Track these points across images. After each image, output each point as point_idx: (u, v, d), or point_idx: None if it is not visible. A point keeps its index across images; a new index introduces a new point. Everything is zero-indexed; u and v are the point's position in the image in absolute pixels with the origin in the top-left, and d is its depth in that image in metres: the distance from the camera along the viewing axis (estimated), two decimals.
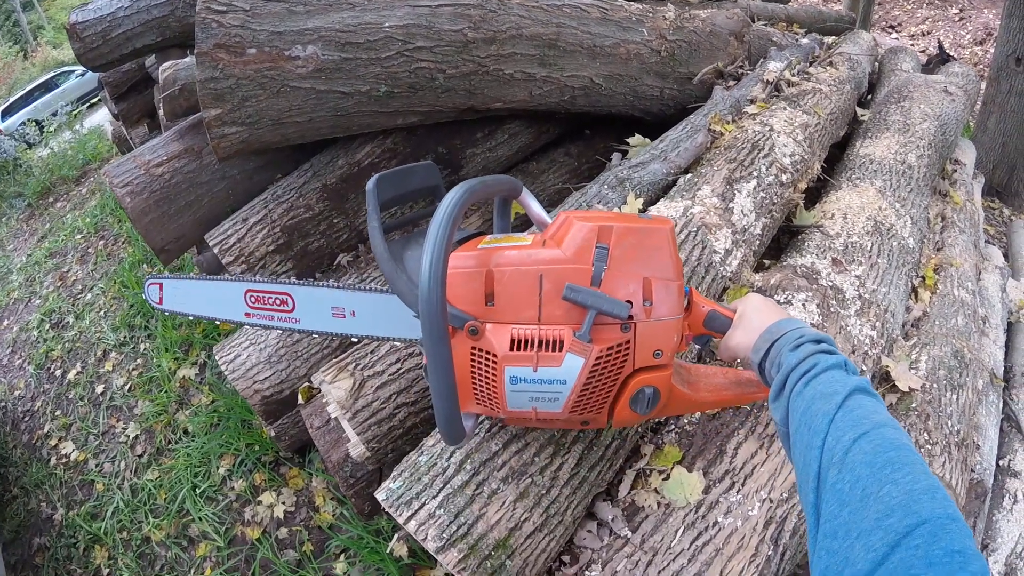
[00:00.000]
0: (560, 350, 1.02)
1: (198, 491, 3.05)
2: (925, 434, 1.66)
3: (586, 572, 1.34)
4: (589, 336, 1.01)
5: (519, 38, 2.31)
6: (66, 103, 12.04)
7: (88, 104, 13.59)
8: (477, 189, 1.04)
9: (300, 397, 2.10)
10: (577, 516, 1.38)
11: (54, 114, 10.63)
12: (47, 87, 15.18)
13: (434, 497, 1.27)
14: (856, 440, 0.69)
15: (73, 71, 15.09)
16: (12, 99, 15.24)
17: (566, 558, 1.39)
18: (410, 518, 1.26)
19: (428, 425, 1.80)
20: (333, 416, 1.83)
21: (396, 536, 1.95)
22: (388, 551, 2.10)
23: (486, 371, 1.06)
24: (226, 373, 2.38)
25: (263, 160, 2.84)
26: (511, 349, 1.03)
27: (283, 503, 2.84)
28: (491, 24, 2.23)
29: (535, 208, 1.31)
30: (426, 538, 1.22)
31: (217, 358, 2.41)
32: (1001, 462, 2.04)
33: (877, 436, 0.69)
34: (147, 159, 2.73)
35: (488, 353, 1.04)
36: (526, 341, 1.03)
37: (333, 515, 2.70)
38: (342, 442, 2.01)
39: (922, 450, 1.62)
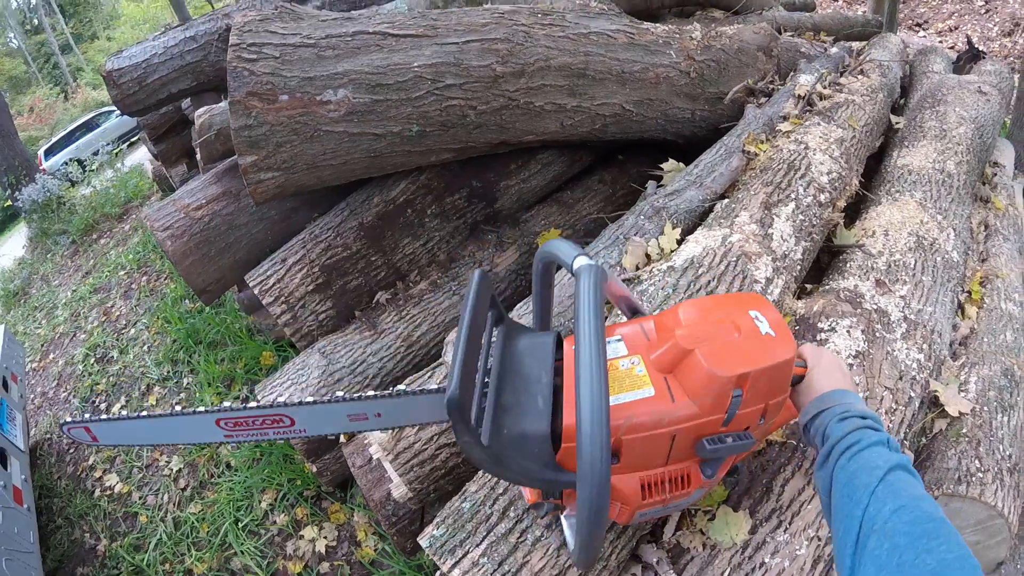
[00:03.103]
0: (688, 486, 1.05)
1: (240, 525, 3.09)
2: (976, 461, 1.60)
3: None
4: (716, 473, 1.05)
5: (548, 69, 2.31)
6: (107, 142, 12.37)
7: (128, 143, 14.00)
8: (601, 315, 0.88)
9: (342, 436, 2.11)
10: (622, 560, 1.35)
11: (95, 153, 10.91)
12: (88, 127, 15.70)
13: (478, 545, 1.27)
14: (896, 511, 0.75)
15: (113, 111, 15.48)
16: (54, 139, 15.80)
17: None
18: (454, 566, 1.25)
19: (470, 465, 1.79)
20: (375, 456, 1.83)
21: (438, 573, 1.94)
22: None
23: (613, 507, 1.07)
24: None
25: (300, 200, 2.88)
26: (643, 498, 1.03)
27: (325, 538, 2.85)
28: (519, 57, 2.24)
29: (620, 290, 1.21)
30: None
31: (259, 398, 2.44)
32: None
33: (916, 508, 0.75)
34: (186, 203, 2.80)
35: (618, 501, 1.05)
36: (656, 485, 1.04)
37: (375, 550, 2.70)
38: (384, 481, 2.01)
39: (973, 478, 1.57)
